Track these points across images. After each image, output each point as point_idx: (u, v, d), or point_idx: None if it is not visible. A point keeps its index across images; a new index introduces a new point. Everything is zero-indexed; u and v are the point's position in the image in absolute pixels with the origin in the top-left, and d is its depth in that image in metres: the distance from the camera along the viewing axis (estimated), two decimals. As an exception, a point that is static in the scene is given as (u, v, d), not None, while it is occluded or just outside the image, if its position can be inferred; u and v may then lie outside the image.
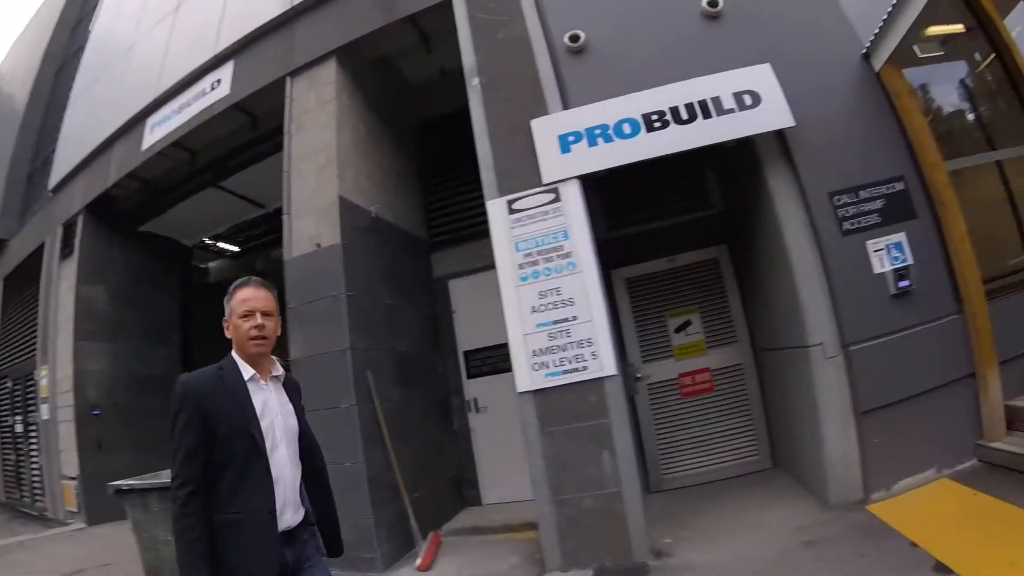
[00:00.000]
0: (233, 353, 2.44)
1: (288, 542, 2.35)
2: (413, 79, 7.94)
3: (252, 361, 2.42)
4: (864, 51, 5.42)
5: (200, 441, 2.20)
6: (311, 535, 2.53)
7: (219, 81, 7.76)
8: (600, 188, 6.05)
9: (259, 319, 2.39)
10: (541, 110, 5.35)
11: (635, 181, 5.96)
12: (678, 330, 6.25)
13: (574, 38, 5.44)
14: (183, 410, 2.24)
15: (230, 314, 2.43)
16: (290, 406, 2.51)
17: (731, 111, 4.97)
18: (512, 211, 5.15)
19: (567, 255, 4.97)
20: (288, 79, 6.92)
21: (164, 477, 4.76)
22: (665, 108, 5.01)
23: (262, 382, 2.41)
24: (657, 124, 4.99)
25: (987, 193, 5.89)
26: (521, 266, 5.04)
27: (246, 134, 8.11)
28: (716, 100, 4.99)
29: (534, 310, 4.97)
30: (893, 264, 4.86)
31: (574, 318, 4.88)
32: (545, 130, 5.19)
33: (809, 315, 4.87)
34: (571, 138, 5.09)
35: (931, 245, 4.97)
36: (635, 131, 5.01)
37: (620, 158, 5.02)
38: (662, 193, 6.32)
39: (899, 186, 5.04)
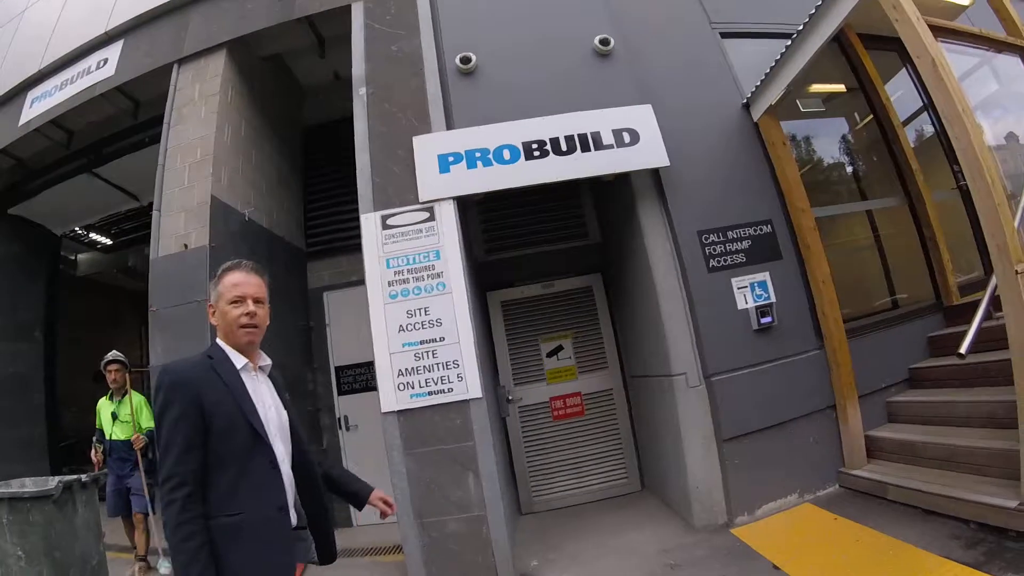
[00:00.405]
0: (219, 341, 2.23)
1: (295, 542, 2.19)
2: (305, 81, 7.71)
3: (242, 350, 2.21)
4: (745, 101, 5.72)
5: (195, 436, 1.96)
6: (303, 539, 2.31)
7: (105, 60, 7.22)
8: (482, 210, 6.09)
9: (251, 306, 2.19)
10: (424, 127, 5.28)
11: (517, 206, 6.07)
12: (551, 354, 6.31)
13: (465, 60, 5.42)
14: (174, 402, 1.99)
15: (217, 299, 2.22)
16: (279, 399, 2.30)
17: (610, 147, 5.09)
18: (386, 227, 5.02)
19: (438, 275, 4.89)
20: (176, 67, 6.54)
21: (14, 486, 4.48)
22: (546, 138, 5.07)
23: (253, 372, 2.22)
24: (536, 153, 5.03)
25: (858, 239, 6.31)
26: (391, 283, 4.92)
27: (127, 120, 7.60)
28: (596, 135, 5.10)
29: (401, 329, 4.84)
30: (756, 301, 5.09)
31: (441, 339, 4.81)
32: (426, 148, 5.13)
33: (673, 346, 5.01)
34: (451, 158, 5.05)
35: (795, 285, 5.24)
36: (514, 158, 5.03)
37: (497, 183, 5.03)
38: (543, 220, 6.39)
39: (767, 229, 5.31)
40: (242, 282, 2.22)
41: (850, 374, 5.02)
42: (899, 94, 6.35)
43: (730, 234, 5.26)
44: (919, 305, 5.86)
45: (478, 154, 5.04)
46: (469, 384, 4.74)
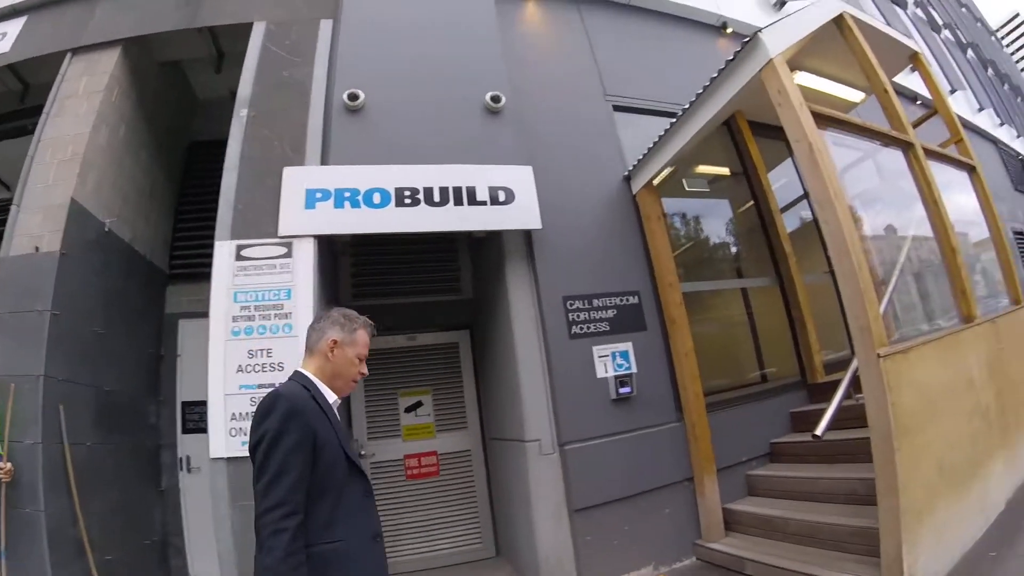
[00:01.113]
0: (307, 372, 2.25)
1: None
2: (201, 95, 7.32)
3: (335, 391, 2.27)
4: (627, 173, 5.74)
5: (307, 466, 1.96)
6: None
7: (4, 35, 6.56)
8: (355, 252, 5.69)
9: (364, 367, 2.32)
10: (299, 159, 4.95)
11: (392, 252, 5.80)
12: (409, 410, 5.89)
13: (353, 96, 5.13)
14: (291, 431, 1.96)
15: (343, 344, 2.28)
16: None
17: (483, 203, 4.90)
18: (240, 257, 4.59)
19: (286, 315, 4.48)
20: (68, 56, 5.99)
21: None
22: (420, 186, 4.82)
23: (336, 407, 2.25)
24: (408, 200, 4.78)
25: (731, 315, 6.35)
26: (235, 318, 4.46)
27: (13, 102, 6.91)
28: (472, 190, 4.90)
29: (240, 369, 4.37)
30: (617, 371, 4.97)
31: (281, 385, 4.27)
32: (295, 180, 4.77)
33: (529, 410, 4.78)
34: (319, 195, 4.70)
35: (658, 357, 5.18)
36: (385, 202, 4.76)
37: (363, 226, 4.73)
38: (417, 270, 6.03)
39: (634, 299, 5.26)
40: (367, 343, 2.36)
41: (708, 447, 4.96)
42: (783, 182, 6.56)
43: (596, 302, 5.16)
44: (783, 381, 5.91)
45: (347, 194, 4.72)
46: (303, 439, 4.16)
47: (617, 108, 6.31)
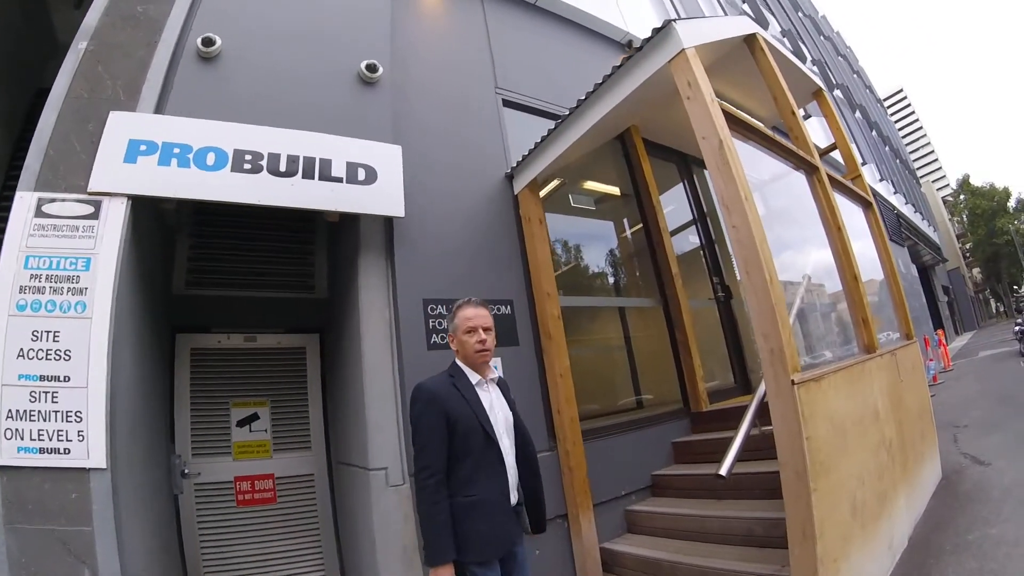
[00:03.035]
0: (457, 361, 2.61)
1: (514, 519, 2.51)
2: (61, 37, 5.76)
3: (476, 368, 2.57)
4: (509, 171, 4.97)
5: (443, 438, 2.35)
6: (519, 514, 2.59)
7: None
8: (194, 232, 4.49)
9: (482, 334, 2.54)
10: (131, 104, 3.70)
11: (238, 237, 4.60)
12: (243, 423, 4.55)
13: (208, 41, 3.97)
14: (428, 413, 2.39)
15: (455, 330, 2.61)
16: (505, 402, 2.64)
17: (339, 180, 3.80)
18: (40, 213, 3.31)
19: (80, 291, 3.22)
20: None
21: None
22: (264, 151, 3.66)
23: (485, 385, 2.57)
24: (247, 166, 3.61)
25: (610, 337, 5.69)
26: (23, 288, 3.17)
27: None
28: (326, 163, 3.79)
29: (21, 354, 3.09)
30: None
31: (67, 378, 3.10)
32: (120, 127, 3.52)
33: (375, 433, 3.66)
34: (143, 147, 3.48)
35: (530, 376, 4.33)
36: (219, 165, 3.57)
37: (188, 189, 3.51)
38: (266, 260, 4.78)
39: (506, 309, 4.36)
40: (473, 315, 2.58)
41: (584, 480, 4.17)
42: (671, 207, 6.12)
43: None
44: (665, 409, 5.22)
45: (176, 150, 3.52)
46: (92, 447, 3.03)
47: (508, 104, 5.47)
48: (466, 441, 2.37)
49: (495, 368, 2.74)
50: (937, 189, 61.86)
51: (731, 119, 3.50)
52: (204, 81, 3.91)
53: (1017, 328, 13.41)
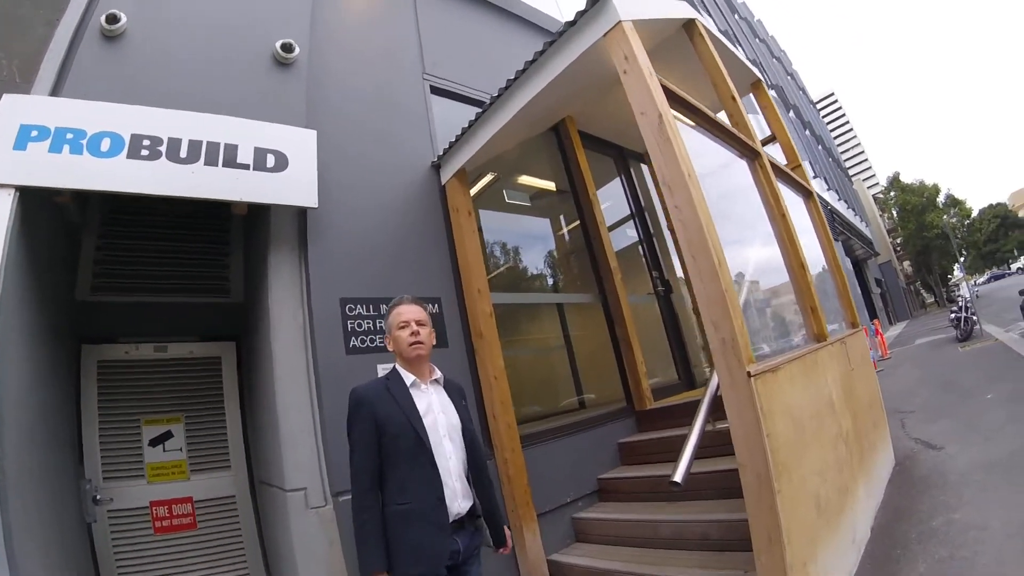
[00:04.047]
0: (396, 364, 2.49)
1: (458, 530, 2.30)
2: None
3: (412, 367, 2.44)
4: (435, 161, 4.58)
5: (372, 442, 2.23)
6: (478, 528, 2.44)
7: None
8: (102, 232, 3.92)
9: (414, 327, 2.43)
10: (26, 87, 3.21)
11: (148, 237, 4.04)
12: (155, 442, 3.98)
13: (112, 19, 3.46)
14: (355, 418, 2.29)
15: (389, 329, 2.49)
16: (452, 405, 2.47)
17: (245, 167, 3.33)
18: None
19: (-51, 295, 2.70)
20: None
21: None
22: (163, 136, 3.17)
23: (423, 386, 2.43)
24: (145, 152, 3.11)
25: (547, 336, 5.41)
26: None
27: None
28: (232, 148, 3.31)
29: None
30: None
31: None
32: (12, 111, 3.00)
33: (291, 449, 3.20)
34: (35, 132, 2.96)
35: (461, 380, 3.72)
36: (114, 151, 3.06)
37: (77, 179, 2.99)
38: (179, 262, 4.21)
39: (433, 308, 3.96)
40: (404, 311, 2.47)
41: (525, 488, 3.80)
42: (608, 204, 5.84)
43: (384, 308, 3.63)
44: (609, 409, 4.88)
45: (70, 135, 3.01)
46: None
47: (436, 91, 5.09)
48: (396, 445, 2.24)
49: (436, 369, 2.51)
50: (868, 187, 64.16)
51: (671, 95, 3.21)
52: (107, 61, 3.40)
53: (952, 316, 13.68)
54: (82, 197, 3.48)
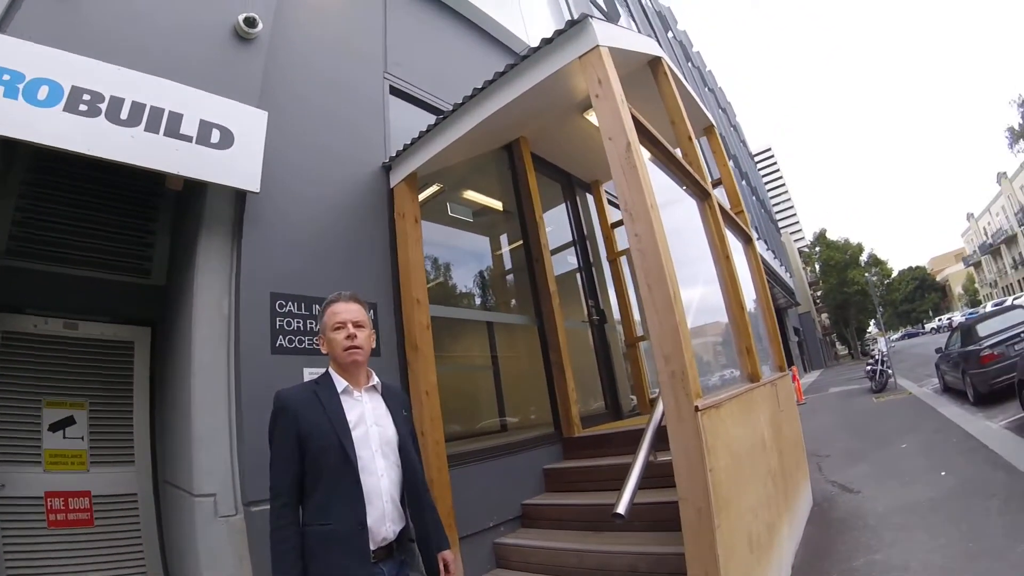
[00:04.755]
0: (329, 368, 2.27)
1: (386, 556, 2.08)
2: None
3: (347, 372, 2.21)
4: (387, 162, 4.45)
5: (293, 453, 2.02)
6: (410, 554, 2.20)
7: None
8: (26, 192, 3.55)
9: (351, 328, 2.21)
10: None
11: (72, 203, 3.65)
12: (56, 427, 3.57)
13: None
14: (277, 425, 2.08)
15: (323, 329, 2.26)
16: (388, 416, 2.23)
17: (188, 139, 3.07)
18: None
19: None
20: None
21: None
22: (106, 93, 2.88)
23: (356, 393, 2.20)
24: (84, 108, 2.82)
25: (476, 356, 5.28)
26: None
27: None
28: (176, 117, 3.05)
29: None
30: None
31: None
32: None
33: (202, 451, 2.93)
34: None
35: None
36: (52, 101, 2.76)
37: (7, 126, 2.65)
38: (100, 234, 3.84)
39: (368, 313, 3.59)
40: (341, 310, 2.25)
41: (450, 511, 3.61)
42: (551, 228, 5.81)
43: (316, 308, 3.49)
44: (536, 433, 4.81)
45: (7, 76, 2.68)
46: None
47: (395, 91, 4.93)
48: (319, 459, 2.00)
49: (374, 375, 2.28)
50: (795, 240, 67.60)
51: (638, 125, 3.21)
52: (58, 6, 3.05)
53: (868, 368, 14.42)
54: (6, 148, 3.16)
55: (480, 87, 3.79)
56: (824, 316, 58.32)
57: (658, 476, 2.87)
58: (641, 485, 2.71)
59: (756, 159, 75.02)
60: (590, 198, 6.84)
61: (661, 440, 2.72)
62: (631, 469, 2.78)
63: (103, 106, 2.85)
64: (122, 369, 3.80)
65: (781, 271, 31.75)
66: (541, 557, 3.65)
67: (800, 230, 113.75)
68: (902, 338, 65.04)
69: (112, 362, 3.78)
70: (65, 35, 2.99)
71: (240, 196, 3.38)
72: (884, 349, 14.78)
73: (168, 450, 3.65)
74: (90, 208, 3.71)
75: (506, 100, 3.66)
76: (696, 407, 2.42)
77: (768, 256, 25.85)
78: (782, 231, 53.40)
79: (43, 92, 2.75)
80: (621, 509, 2.59)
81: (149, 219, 3.97)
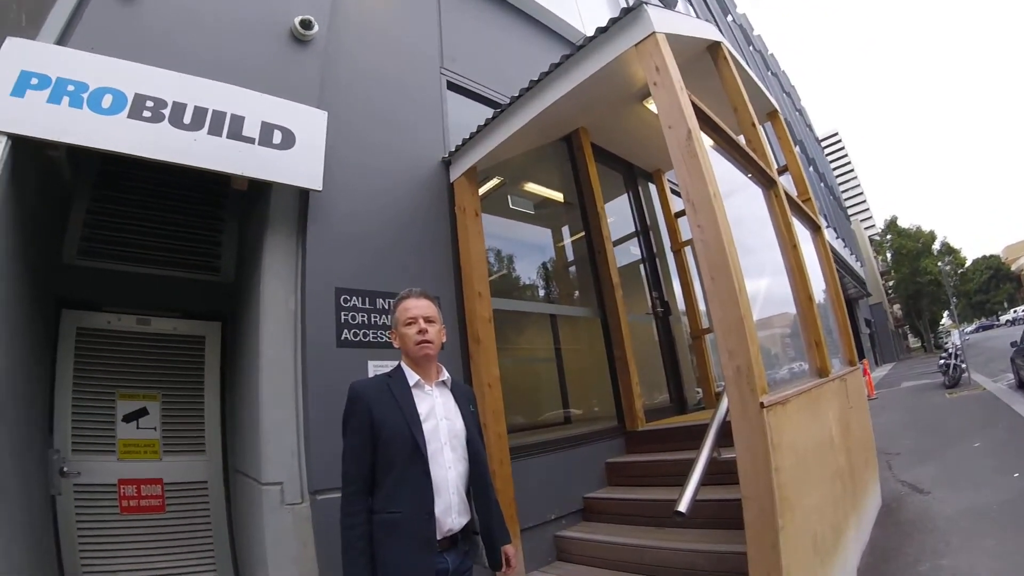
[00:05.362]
0: (401, 362, 2.31)
1: (451, 547, 2.12)
2: None
3: (418, 366, 2.27)
4: (446, 157, 4.47)
5: (366, 443, 2.08)
6: (473, 546, 2.25)
7: None
8: (96, 196, 3.77)
9: (422, 323, 2.25)
10: (33, 32, 3.07)
11: (143, 206, 3.87)
12: (129, 418, 3.78)
13: None
14: (351, 415, 2.15)
15: (395, 324, 2.32)
16: (457, 411, 2.28)
17: (250, 140, 3.18)
18: None
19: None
20: None
21: None
22: (168, 99, 3.02)
23: (427, 387, 2.25)
24: (147, 114, 2.96)
25: (540, 349, 5.25)
26: None
27: None
28: (238, 120, 3.17)
29: None
30: None
31: None
32: (13, 55, 2.84)
33: (270, 442, 3.03)
34: (35, 80, 2.80)
35: None
36: (116, 109, 2.91)
37: (76, 133, 2.82)
38: (170, 234, 4.02)
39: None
40: (412, 306, 2.29)
41: (511, 504, 3.60)
42: (612, 219, 5.68)
43: (380, 302, 3.58)
44: (599, 427, 4.75)
45: (71, 87, 2.85)
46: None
47: (452, 87, 4.96)
48: (390, 450, 2.05)
49: (444, 370, 2.32)
50: (865, 228, 64.72)
51: (698, 112, 3.10)
52: (119, 16, 3.22)
53: (942, 362, 13.72)
54: (77, 155, 3.34)
55: (536, 79, 3.76)
56: (896, 307, 55.86)
57: (722, 472, 2.82)
58: (704, 481, 2.66)
59: (823, 144, 72.14)
60: (652, 188, 6.73)
61: (725, 436, 2.66)
62: (694, 465, 2.72)
63: (166, 112, 2.99)
64: (194, 362, 3.98)
65: (851, 260, 30.52)
66: (601, 551, 3.64)
67: (870, 217, 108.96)
68: (976, 330, 61.78)
69: (184, 356, 3.96)
70: (126, 44, 3.15)
71: (303, 194, 3.48)
72: (958, 342, 14.05)
73: (238, 440, 3.79)
74: (159, 209, 3.90)
75: (563, 91, 3.61)
76: (761, 403, 2.34)
77: (837, 245, 24.86)
78: (851, 219, 51.17)
79: (107, 100, 2.90)
80: (683, 507, 2.55)
81: (217, 218, 4.15)
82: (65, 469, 3.52)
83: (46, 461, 3.43)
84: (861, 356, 23.07)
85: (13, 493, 2.85)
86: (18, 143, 2.75)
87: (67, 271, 3.67)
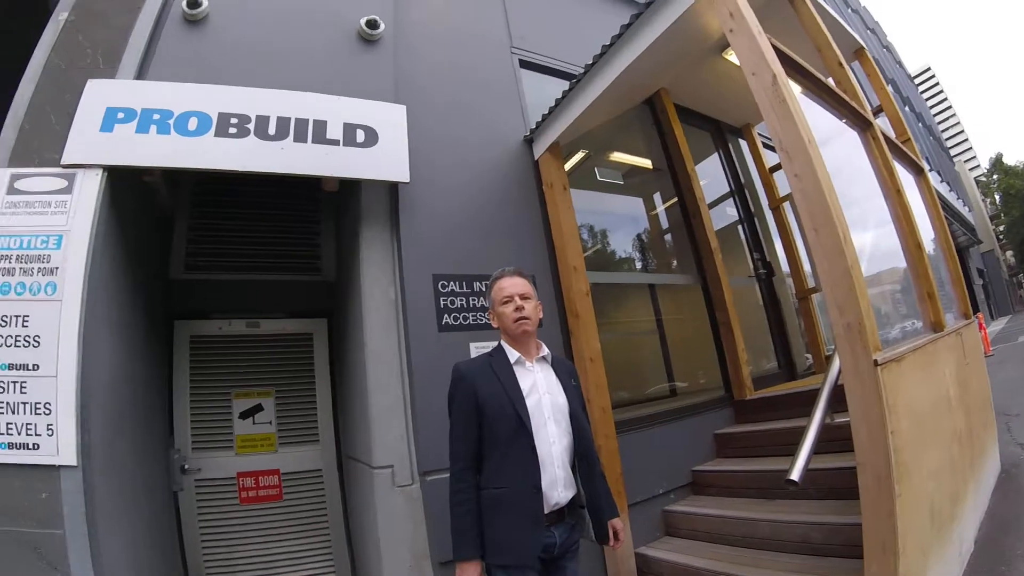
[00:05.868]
0: (501, 341, 2.37)
1: (558, 520, 2.15)
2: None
3: (518, 343, 2.31)
4: (528, 134, 4.45)
5: (471, 420, 2.14)
6: (580, 519, 2.27)
7: None
8: (195, 213, 4.12)
9: (518, 301, 2.29)
10: (110, 72, 3.32)
11: (239, 217, 4.21)
12: (245, 415, 4.11)
13: (193, 3, 3.55)
14: (456, 394, 2.22)
15: (492, 304, 2.38)
16: (559, 385, 2.30)
17: (335, 143, 3.34)
18: (12, 190, 2.95)
19: (51, 271, 2.85)
20: None
21: None
22: (251, 114, 3.23)
23: (528, 364, 2.29)
24: (233, 130, 3.18)
25: (641, 320, 5.15)
26: None
27: None
28: (320, 125, 3.33)
29: None
30: None
31: (35, 367, 2.73)
32: (97, 95, 3.14)
33: (380, 427, 3.17)
34: (121, 115, 3.08)
35: None
36: (202, 130, 3.14)
37: (168, 157, 3.09)
38: (269, 241, 4.31)
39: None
40: (507, 285, 2.34)
41: (618, 479, 3.60)
42: (705, 182, 5.46)
43: (477, 285, 3.65)
44: (706, 397, 4.68)
45: (156, 116, 3.11)
46: (61, 443, 2.67)
47: (525, 64, 4.92)
48: (495, 426, 2.11)
49: (544, 346, 2.36)
50: (970, 169, 59.66)
51: (781, 55, 2.93)
52: (189, 44, 3.49)
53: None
54: (172, 177, 3.58)
55: (608, 44, 3.70)
56: (1008, 253, 51.39)
57: (835, 440, 2.73)
58: (816, 450, 2.57)
59: (916, 81, 66.75)
60: (743, 144, 6.47)
61: (838, 401, 2.55)
62: (805, 432, 2.63)
63: (250, 126, 3.20)
64: (303, 358, 4.26)
65: (958, 205, 28.25)
66: (710, 525, 3.59)
67: (974, 157, 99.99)
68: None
69: (294, 353, 4.25)
70: (201, 68, 3.40)
71: (392, 188, 3.59)
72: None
73: (349, 428, 3.99)
74: (256, 219, 4.19)
75: (636, 53, 3.52)
76: (875, 361, 2.19)
77: (943, 189, 23.06)
78: (955, 160, 47.31)
79: (193, 123, 3.14)
80: (795, 475, 2.47)
81: (313, 221, 4.40)
82: (186, 466, 3.87)
83: (168, 460, 3.78)
84: (976, 310, 21.51)
85: (138, 493, 3.18)
86: (113, 173, 3.04)
87: (176, 285, 4.01)
